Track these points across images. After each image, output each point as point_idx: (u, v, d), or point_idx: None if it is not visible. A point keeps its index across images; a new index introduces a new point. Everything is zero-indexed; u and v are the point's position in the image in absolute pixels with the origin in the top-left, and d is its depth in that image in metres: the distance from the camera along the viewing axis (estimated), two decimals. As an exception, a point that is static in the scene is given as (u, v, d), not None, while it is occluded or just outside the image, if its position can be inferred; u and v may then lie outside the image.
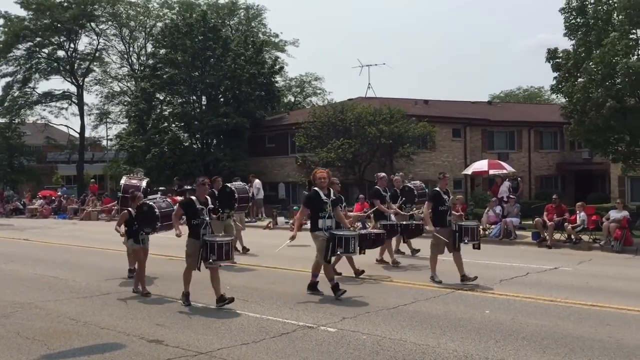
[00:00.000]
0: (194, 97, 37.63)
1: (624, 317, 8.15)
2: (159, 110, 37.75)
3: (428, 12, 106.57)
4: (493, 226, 19.11)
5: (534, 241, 17.39)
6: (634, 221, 18.16)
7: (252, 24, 50.75)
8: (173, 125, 37.32)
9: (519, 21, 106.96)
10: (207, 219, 8.78)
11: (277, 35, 51.79)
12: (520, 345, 6.89)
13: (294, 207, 25.39)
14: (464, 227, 10.81)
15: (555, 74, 19.61)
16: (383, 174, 14.02)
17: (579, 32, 18.87)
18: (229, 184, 13.48)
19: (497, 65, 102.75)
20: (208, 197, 9.08)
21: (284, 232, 22.29)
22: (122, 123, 48.84)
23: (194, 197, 8.81)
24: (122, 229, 10.22)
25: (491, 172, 25.07)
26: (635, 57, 17.85)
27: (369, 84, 51.58)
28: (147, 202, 9.95)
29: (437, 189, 10.97)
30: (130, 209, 10.20)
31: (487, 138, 34.63)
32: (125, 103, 48.46)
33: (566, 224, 17.06)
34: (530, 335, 7.24)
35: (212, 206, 9.07)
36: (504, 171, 23.99)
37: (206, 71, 35.97)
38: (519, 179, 24.29)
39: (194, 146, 37.77)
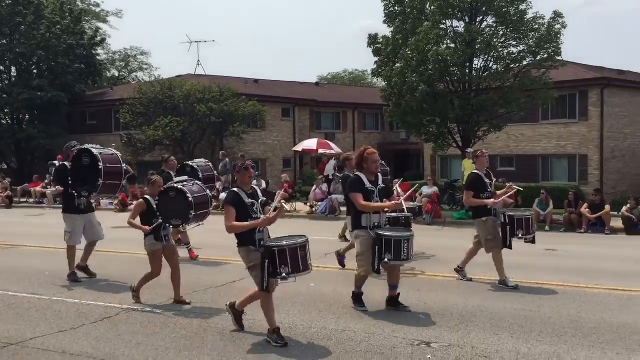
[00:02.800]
0: (2, 68, 34.07)
1: (432, 283, 9.00)
2: (-42, 81, 33.65)
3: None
4: (320, 203, 19.91)
5: (357, 216, 18.45)
6: (443, 196, 20.04)
7: (70, -9, 46.95)
8: (-24, 98, 33.51)
9: (346, 5, 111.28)
10: (262, 216, 6.32)
11: (98, 5, 48.59)
12: (341, 313, 7.30)
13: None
14: (517, 219, 8.62)
15: (376, 59, 20.77)
16: (349, 153, 11.45)
17: (397, 20, 20.12)
18: (190, 162, 11.53)
19: (325, 48, 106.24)
20: (256, 188, 6.65)
21: (107, 213, 21.19)
22: None
23: (236, 189, 6.39)
24: (138, 221, 7.77)
25: (320, 151, 26.10)
26: (445, 45, 19.50)
27: (199, 61, 51.02)
28: (175, 185, 7.70)
29: (477, 171, 8.86)
30: (147, 196, 7.89)
31: (315, 118, 35.79)
32: None
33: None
34: (350, 304, 7.70)
35: (265, 199, 6.62)
36: (332, 151, 25.10)
37: (16, 39, 32.73)
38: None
39: (3, 122, 34.30)
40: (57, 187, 9.62)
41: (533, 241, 8.91)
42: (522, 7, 19.21)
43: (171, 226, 7.85)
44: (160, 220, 7.63)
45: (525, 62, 19.80)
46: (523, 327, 6.64)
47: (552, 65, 19.41)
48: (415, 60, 18.81)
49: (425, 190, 18.60)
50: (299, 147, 28.08)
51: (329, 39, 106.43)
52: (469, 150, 19.36)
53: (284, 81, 40.08)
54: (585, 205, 16.11)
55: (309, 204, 20.32)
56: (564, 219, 16.14)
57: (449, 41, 19.90)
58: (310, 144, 27.27)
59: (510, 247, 8.62)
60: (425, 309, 7.43)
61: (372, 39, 20.80)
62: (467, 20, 19.71)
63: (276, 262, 6.00)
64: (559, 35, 18.94)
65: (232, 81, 31.86)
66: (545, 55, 19.27)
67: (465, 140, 20.46)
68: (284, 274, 5.98)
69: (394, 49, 19.79)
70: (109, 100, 33.53)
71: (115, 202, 22.27)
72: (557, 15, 19.04)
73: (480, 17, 19.84)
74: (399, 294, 7.45)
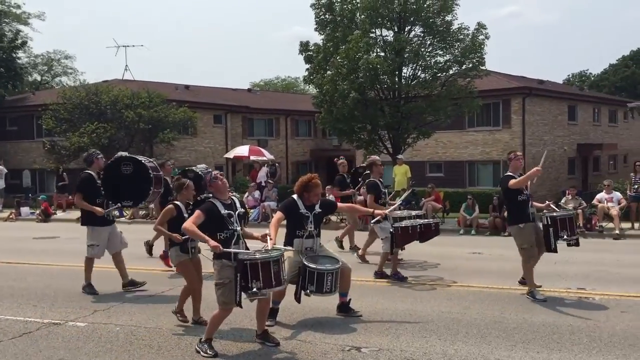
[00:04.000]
0: None
1: (362, 288, 9.09)
2: None
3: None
4: (252, 210, 19.78)
5: (289, 223, 18.54)
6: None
7: (-13, -9, 44.78)
8: None
9: (279, 12, 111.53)
10: (239, 228, 6.20)
11: (18, 6, 46.43)
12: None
13: (41, 197, 23.27)
14: (559, 219, 8.08)
15: (308, 66, 20.90)
16: (375, 157, 10.90)
17: (328, 28, 20.33)
18: (192, 168, 11.14)
19: (257, 55, 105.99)
20: (234, 198, 6.42)
21: (28, 223, 20.34)
22: None
23: (213, 200, 6.19)
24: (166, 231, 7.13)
25: (252, 157, 25.94)
26: (375, 54, 19.84)
27: (127, 65, 49.71)
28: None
29: (510, 173, 8.36)
30: (177, 202, 7.25)
31: (247, 125, 35.61)
32: None
33: (317, 206, 18.42)
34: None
35: (244, 210, 6.50)
36: (264, 158, 25.00)
37: None
38: (276, 164, 25.53)
39: None
40: (78, 197, 8.73)
41: (577, 243, 8.30)
42: (448, 18, 19.83)
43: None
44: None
45: (451, 71, 20.42)
46: (450, 330, 6.81)
47: (476, 75, 20.11)
48: (345, 68, 19.05)
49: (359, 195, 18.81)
50: (231, 154, 27.84)
51: (262, 45, 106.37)
52: (399, 156, 19.76)
53: (216, 87, 39.70)
54: (509, 209, 16.70)
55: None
56: (488, 223, 16.69)
57: (378, 50, 20.27)
58: (242, 150, 27.06)
59: (555, 251, 8.14)
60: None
61: (304, 47, 20.93)
62: (396, 30, 20.15)
63: (248, 276, 5.72)
64: (482, 46, 19.65)
65: (162, 87, 31.24)
66: (470, 65, 19.94)
67: (395, 147, 20.85)
68: (254, 289, 5.71)
69: (325, 57, 19.98)
70: (31, 105, 32.15)
71: (37, 212, 21.38)
72: (481, 26, 19.76)
73: (409, 27, 20.32)
74: (349, 300, 7.46)
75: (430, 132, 21.27)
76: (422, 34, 20.25)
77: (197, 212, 6.08)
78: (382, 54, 20.12)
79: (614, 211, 15.64)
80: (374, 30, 20.12)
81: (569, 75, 65.94)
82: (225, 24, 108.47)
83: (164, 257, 10.50)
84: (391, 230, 9.17)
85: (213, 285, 6.10)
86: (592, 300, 8.20)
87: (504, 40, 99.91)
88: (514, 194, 8.15)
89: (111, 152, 26.77)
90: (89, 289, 8.80)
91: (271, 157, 25.94)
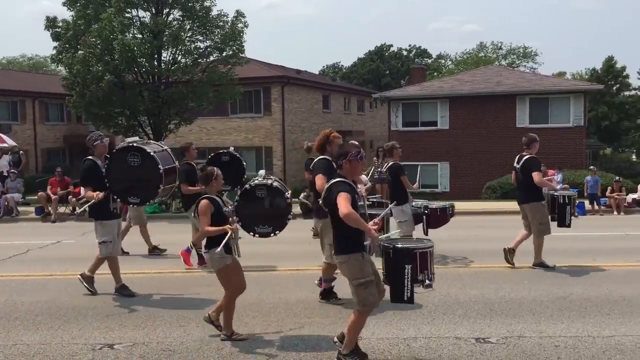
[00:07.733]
0: None
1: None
2: None
3: None
4: (-8, 204, 17.59)
5: (38, 216, 16.98)
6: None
7: None
8: None
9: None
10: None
11: None
12: (12, 325, 6.51)
13: None
14: (573, 198, 9.10)
15: (56, 44, 19.14)
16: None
17: (78, 4, 18.82)
18: (225, 150, 9.79)
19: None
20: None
21: None
22: None
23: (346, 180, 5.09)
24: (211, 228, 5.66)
25: (-9, 145, 22.99)
26: (131, 35, 18.92)
27: None
28: (265, 182, 6.13)
29: (534, 155, 8.74)
30: (211, 195, 5.90)
31: (-16, 108, 31.49)
32: None
33: (70, 196, 17.08)
34: (24, 314, 6.93)
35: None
36: (5, 145, 22.34)
37: None
38: (21, 152, 22.97)
39: None
40: (87, 190, 7.72)
41: (568, 224, 9.14)
42: (207, 3, 19.76)
43: (258, 236, 6.49)
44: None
45: (212, 58, 20.41)
46: (238, 313, 6.77)
47: (236, 62, 20.40)
48: (99, 48, 17.84)
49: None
50: (-36, 141, 24.34)
51: (4, 19, 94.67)
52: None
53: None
54: (269, 193, 17.34)
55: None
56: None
57: (135, 31, 19.39)
58: (-21, 137, 23.84)
59: (569, 226, 9.10)
60: (107, 311, 7.09)
61: (51, 22, 19.12)
62: (154, 12, 19.46)
63: (417, 268, 5.06)
64: (241, 34, 19.99)
65: None
66: (231, 52, 20.15)
67: (157, 133, 20.24)
68: (427, 282, 5.10)
69: (76, 35, 18.48)
70: None
71: None
72: (240, 14, 20.08)
73: (167, 10, 19.78)
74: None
75: (192, 118, 21.06)
76: (182, 18, 19.88)
77: (345, 195, 4.79)
78: (140, 35, 19.29)
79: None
80: (129, 10, 19.18)
81: (324, 67, 70.82)
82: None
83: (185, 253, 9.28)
84: (426, 211, 9.46)
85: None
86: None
87: (264, 30, 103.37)
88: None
89: None
90: (125, 291, 7.76)
91: (14, 143, 23.30)
